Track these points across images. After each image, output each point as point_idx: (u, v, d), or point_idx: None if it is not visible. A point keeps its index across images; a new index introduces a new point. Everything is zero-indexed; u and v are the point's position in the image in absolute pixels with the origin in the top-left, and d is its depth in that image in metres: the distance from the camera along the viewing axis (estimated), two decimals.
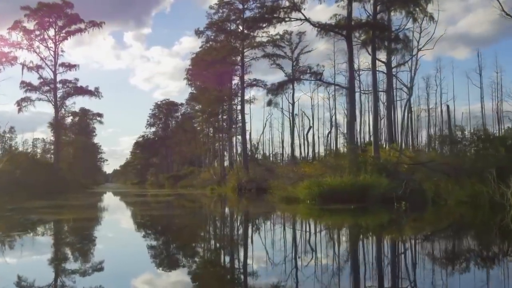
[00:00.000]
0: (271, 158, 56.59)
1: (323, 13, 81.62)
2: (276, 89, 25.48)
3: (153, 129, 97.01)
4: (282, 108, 56.95)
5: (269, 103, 28.01)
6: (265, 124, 57.98)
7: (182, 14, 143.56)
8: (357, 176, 20.55)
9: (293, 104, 50.12)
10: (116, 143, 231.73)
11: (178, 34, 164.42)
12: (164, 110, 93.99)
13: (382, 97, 48.51)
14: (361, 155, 24.15)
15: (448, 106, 37.85)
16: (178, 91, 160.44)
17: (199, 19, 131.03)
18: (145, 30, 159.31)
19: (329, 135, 53.17)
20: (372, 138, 24.92)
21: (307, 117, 53.00)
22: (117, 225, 14.96)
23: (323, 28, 24.68)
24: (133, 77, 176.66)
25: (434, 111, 48.49)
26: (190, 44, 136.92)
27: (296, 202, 20.43)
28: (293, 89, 49.29)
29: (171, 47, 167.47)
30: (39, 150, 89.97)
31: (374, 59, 24.43)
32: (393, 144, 28.08)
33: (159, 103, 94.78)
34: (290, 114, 50.87)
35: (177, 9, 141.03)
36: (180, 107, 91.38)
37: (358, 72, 47.76)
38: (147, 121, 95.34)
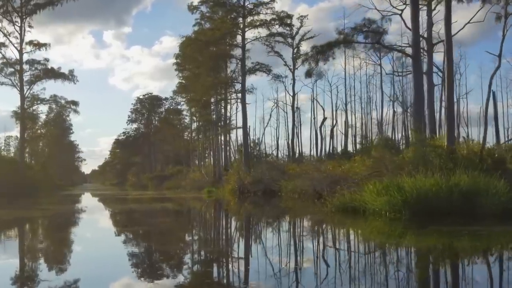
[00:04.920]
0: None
1: None
2: (323, 51, 18.42)
3: (134, 125, 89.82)
4: (277, 101, 51.04)
5: (308, 74, 20.89)
6: (270, 115, 51.11)
7: (163, 13, 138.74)
8: (449, 176, 13.84)
9: (293, 96, 43.79)
10: (95, 143, 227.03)
11: (158, 33, 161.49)
12: (147, 105, 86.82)
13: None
14: (430, 146, 17.47)
15: (494, 93, 31.35)
16: (158, 91, 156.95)
17: (180, 19, 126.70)
18: (125, 29, 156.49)
19: (333, 132, 46.54)
20: (445, 124, 18.18)
21: (321, 106, 46.63)
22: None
23: None
24: (113, 77, 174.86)
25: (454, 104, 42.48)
26: (171, 44, 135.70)
27: (362, 214, 13.63)
28: (294, 79, 43.55)
29: (151, 47, 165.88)
30: (12, 149, 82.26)
31: (448, 16, 17.79)
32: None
33: (141, 97, 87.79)
34: (291, 107, 44.60)
35: (158, 8, 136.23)
36: (164, 101, 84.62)
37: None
38: (129, 117, 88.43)
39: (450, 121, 17.93)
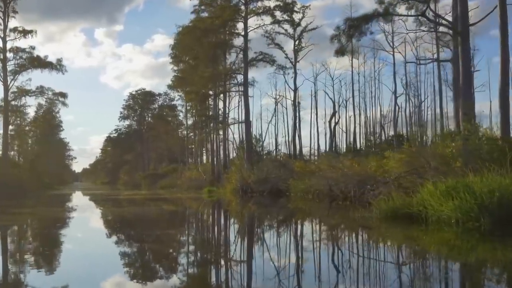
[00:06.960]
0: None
1: None
2: (358, 25, 15.34)
3: (127, 122, 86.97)
4: (277, 96, 48.22)
5: (340, 52, 17.87)
6: (275, 109, 48.53)
7: (155, 11, 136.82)
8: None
9: (295, 91, 41.15)
10: (86, 142, 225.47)
11: (150, 31, 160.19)
12: (140, 101, 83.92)
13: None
14: (487, 139, 14.69)
15: None
16: (150, 89, 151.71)
17: (172, 17, 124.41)
18: (117, 27, 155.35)
19: (335, 128, 43.72)
20: (499, 112, 15.33)
21: (331, 99, 44.00)
22: None
23: None
24: (104, 75, 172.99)
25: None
26: (163, 42, 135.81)
27: (423, 222, 10.71)
28: (295, 73, 41.04)
29: (143, 45, 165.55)
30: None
31: None
32: None
33: (134, 93, 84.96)
34: (291, 102, 41.99)
35: (150, 6, 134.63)
36: (158, 97, 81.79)
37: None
38: (121, 113, 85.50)
39: (504, 109, 15.14)
